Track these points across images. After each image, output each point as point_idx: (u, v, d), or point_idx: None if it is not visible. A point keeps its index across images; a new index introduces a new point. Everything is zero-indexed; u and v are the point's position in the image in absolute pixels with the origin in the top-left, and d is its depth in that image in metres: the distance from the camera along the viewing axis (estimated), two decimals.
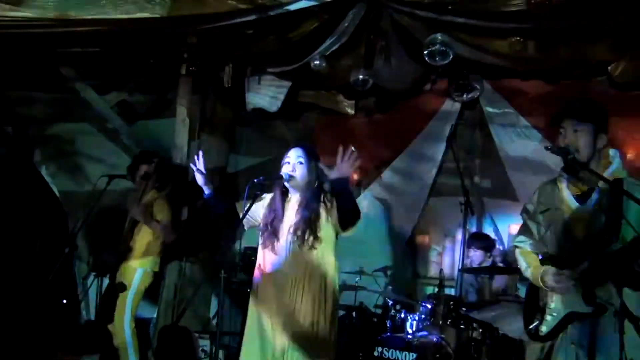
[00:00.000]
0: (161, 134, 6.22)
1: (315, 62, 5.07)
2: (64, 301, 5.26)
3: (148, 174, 4.80)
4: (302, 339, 3.21)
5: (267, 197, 3.54)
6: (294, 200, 3.43)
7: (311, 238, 3.27)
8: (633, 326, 2.48)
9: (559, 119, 2.81)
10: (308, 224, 3.28)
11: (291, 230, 3.32)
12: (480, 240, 5.36)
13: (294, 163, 3.40)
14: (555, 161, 2.97)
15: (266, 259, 3.41)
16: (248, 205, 3.39)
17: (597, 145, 2.76)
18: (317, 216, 3.31)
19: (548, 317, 2.76)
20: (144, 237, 4.76)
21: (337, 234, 3.37)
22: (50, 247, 5.56)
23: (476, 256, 5.23)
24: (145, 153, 5.14)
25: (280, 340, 3.22)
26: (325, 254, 3.33)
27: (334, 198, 3.31)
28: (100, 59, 5.44)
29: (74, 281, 6.29)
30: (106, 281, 5.13)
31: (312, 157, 3.44)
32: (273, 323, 3.28)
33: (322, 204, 3.35)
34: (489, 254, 5.25)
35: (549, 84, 5.73)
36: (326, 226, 3.33)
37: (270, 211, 3.47)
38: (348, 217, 3.25)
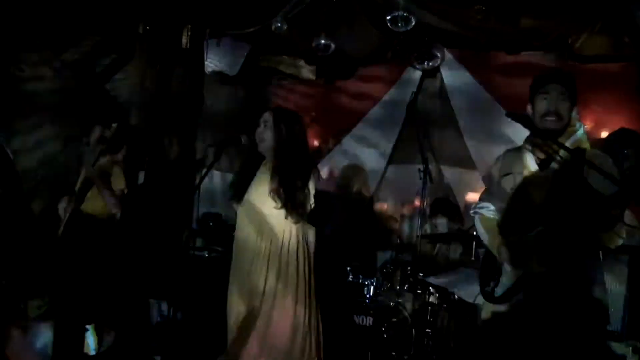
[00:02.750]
0: (117, 95, 6.06)
1: (276, 25, 4.99)
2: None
3: (105, 137, 4.61)
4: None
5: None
6: (267, 166, 3.42)
7: (295, 209, 3.29)
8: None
9: (544, 82, 2.81)
10: (292, 195, 3.29)
11: (270, 194, 3.32)
12: (446, 207, 5.43)
13: (261, 126, 3.39)
14: (513, 130, 3.00)
15: (239, 220, 3.46)
16: (205, 170, 3.38)
17: (571, 114, 2.80)
18: (302, 189, 3.32)
19: (503, 279, 2.82)
20: (96, 200, 4.60)
21: None
22: (2, 211, 5.38)
23: (442, 223, 5.30)
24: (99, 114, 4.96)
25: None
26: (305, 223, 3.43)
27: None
28: (56, 16, 5.24)
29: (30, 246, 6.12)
30: None
31: (280, 119, 3.40)
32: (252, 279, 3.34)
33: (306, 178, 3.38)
34: (453, 220, 5.33)
35: (509, 55, 5.78)
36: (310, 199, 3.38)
37: (241, 171, 3.47)
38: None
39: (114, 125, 4.61)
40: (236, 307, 3.37)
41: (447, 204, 5.59)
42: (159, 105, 5.58)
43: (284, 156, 3.34)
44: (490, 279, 2.91)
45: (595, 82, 5.17)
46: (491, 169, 3.10)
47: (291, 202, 3.29)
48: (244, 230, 3.41)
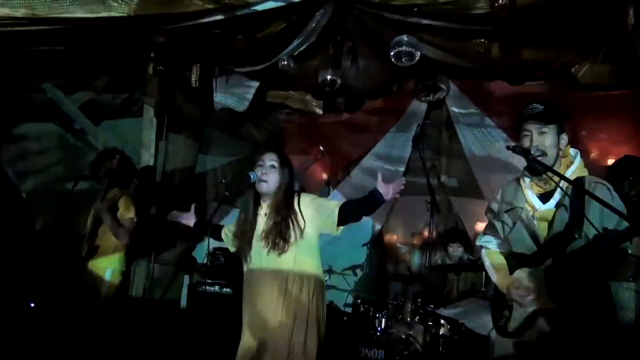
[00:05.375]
0: (128, 134, 6.15)
1: (282, 63, 5.08)
2: (32, 305, 5.13)
3: (111, 170, 4.67)
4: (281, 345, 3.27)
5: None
6: (265, 206, 3.45)
7: (281, 242, 3.30)
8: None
9: (522, 121, 2.84)
10: (278, 229, 3.31)
11: (263, 235, 3.35)
12: (460, 237, 5.45)
13: (266, 167, 3.42)
14: (520, 160, 3.00)
15: (244, 267, 3.47)
16: (216, 206, 3.41)
17: (560, 146, 2.81)
18: (287, 221, 3.34)
19: (516, 314, 2.82)
20: (109, 235, 4.62)
21: (318, 234, 3.42)
22: (16, 248, 5.44)
23: (458, 252, 5.31)
24: (108, 150, 5.04)
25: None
26: (300, 256, 3.38)
27: (313, 202, 3.38)
28: (67, 58, 5.37)
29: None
30: None
31: (285, 162, 3.46)
32: (255, 328, 3.35)
33: (294, 209, 3.39)
34: (466, 250, 5.34)
35: (513, 85, 5.84)
36: (297, 229, 3.36)
37: (242, 218, 3.49)
38: (354, 218, 3.33)
39: (117, 156, 4.69)
40: (246, 342, 3.39)
41: (460, 233, 5.61)
42: (169, 142, 5.69)
43: (283, 197, 3.39)
44: (502, 313, 2.92)
45: (600, 110, 5.21)
46: (491, 204, 3.11)
47: (279, 239, 3.32)
48: (254, 267, 3.44)
